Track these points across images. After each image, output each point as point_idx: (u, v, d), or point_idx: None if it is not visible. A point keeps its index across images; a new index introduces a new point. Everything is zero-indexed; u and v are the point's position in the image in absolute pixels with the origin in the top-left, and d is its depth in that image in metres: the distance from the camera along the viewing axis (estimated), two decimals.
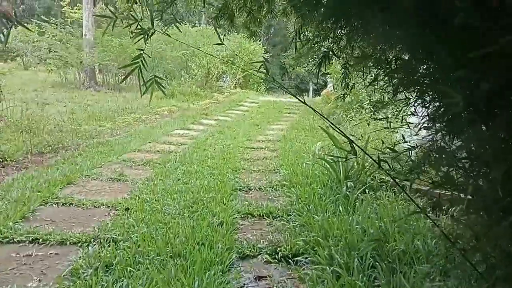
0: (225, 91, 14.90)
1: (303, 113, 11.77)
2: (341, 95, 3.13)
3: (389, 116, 2.10)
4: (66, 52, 14.88)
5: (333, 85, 14.32)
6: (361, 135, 6.43)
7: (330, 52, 2.10)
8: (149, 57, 1.61)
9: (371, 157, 1.57)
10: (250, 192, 4.42)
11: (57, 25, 16.58)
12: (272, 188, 4.51)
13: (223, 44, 1.98)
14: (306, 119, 10.49)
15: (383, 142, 2.21)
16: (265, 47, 21.57)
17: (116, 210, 3.69)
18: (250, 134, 8.09)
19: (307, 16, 1.96)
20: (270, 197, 4.22)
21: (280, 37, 42.05)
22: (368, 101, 8.79)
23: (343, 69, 2.29)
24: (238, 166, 5.39)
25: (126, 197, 4.03)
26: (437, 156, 1.32)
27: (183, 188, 4.28)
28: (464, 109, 1.14)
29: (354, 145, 1.45)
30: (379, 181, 4.18)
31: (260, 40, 25.83)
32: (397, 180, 1.67)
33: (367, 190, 3.91)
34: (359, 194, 3.78)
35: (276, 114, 11.34)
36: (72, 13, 19.01)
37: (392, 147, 1.57)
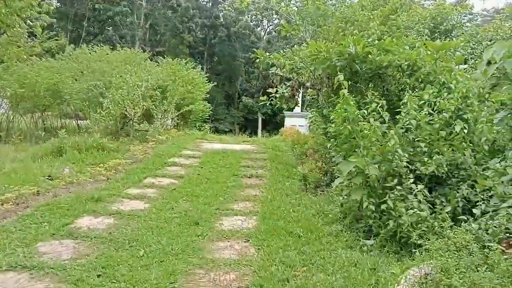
0: (150, 138, 10.05)
1: (272, 174, 7.29)
2: None
3: None
4: None
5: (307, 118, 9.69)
6: None
7: None
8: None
9: None
10: None
11: None
12: None
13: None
14: (283, 192, 6.03)
15: None
16: (207, 75, 17.17)
17: None
18: (176, 271, 3.41)
19: None
20: None
21: (224, 65, 38.13)
22: None
23: None
24: None
25: None
26: None
27: None
28: None
29: None
30: None
31: (202, 69, 21.50)
32: None
33: None
34: None
35: (229, 181, 6.72)
36: None
37: None
